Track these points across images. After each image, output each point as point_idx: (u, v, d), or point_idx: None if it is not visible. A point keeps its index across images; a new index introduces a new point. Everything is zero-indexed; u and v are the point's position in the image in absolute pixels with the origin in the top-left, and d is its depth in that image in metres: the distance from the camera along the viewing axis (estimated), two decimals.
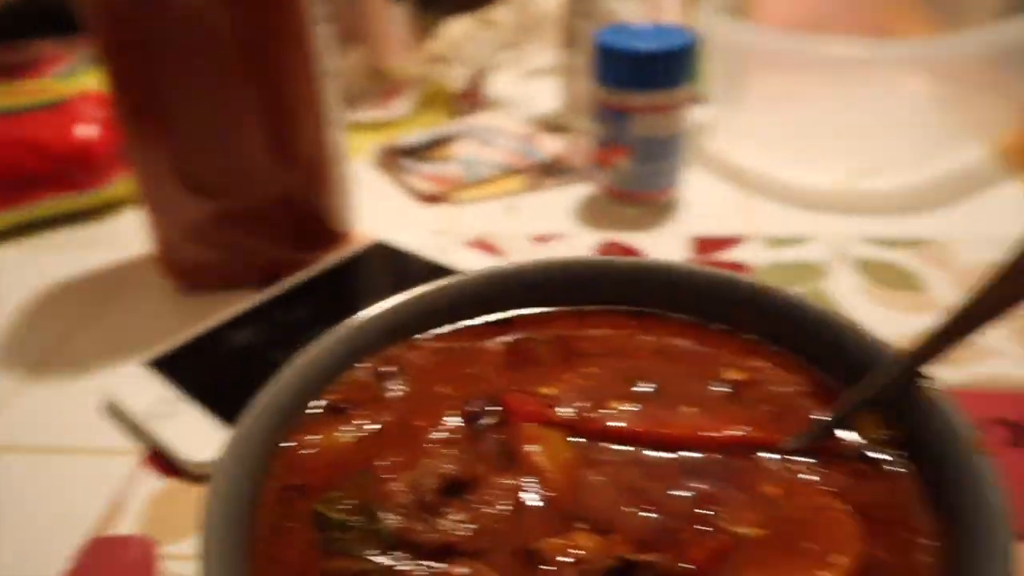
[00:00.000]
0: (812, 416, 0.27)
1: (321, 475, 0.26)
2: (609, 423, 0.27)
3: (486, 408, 0.28)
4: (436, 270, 0.50)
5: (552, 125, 0.72)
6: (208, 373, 0.42)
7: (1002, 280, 0.24)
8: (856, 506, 0.24)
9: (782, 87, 0.66)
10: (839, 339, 0.29)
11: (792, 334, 0.30)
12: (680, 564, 0.22)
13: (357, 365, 0.30)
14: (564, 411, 0.28)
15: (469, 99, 0.77)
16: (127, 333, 0.48)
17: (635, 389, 0.29)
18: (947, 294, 0.48)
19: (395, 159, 0.66)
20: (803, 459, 0.26)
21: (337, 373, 0.29)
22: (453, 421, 0.28)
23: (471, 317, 0.33)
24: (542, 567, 0.22)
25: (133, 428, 0.40)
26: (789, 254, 0.53)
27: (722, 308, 0.32)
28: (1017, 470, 0.34)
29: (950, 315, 0.25)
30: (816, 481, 0.25)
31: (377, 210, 0.60)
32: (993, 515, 0.20)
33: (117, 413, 0.41)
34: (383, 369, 0.30)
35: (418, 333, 0.32)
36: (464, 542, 0.23)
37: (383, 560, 0.23)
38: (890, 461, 0.25)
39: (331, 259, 0.52)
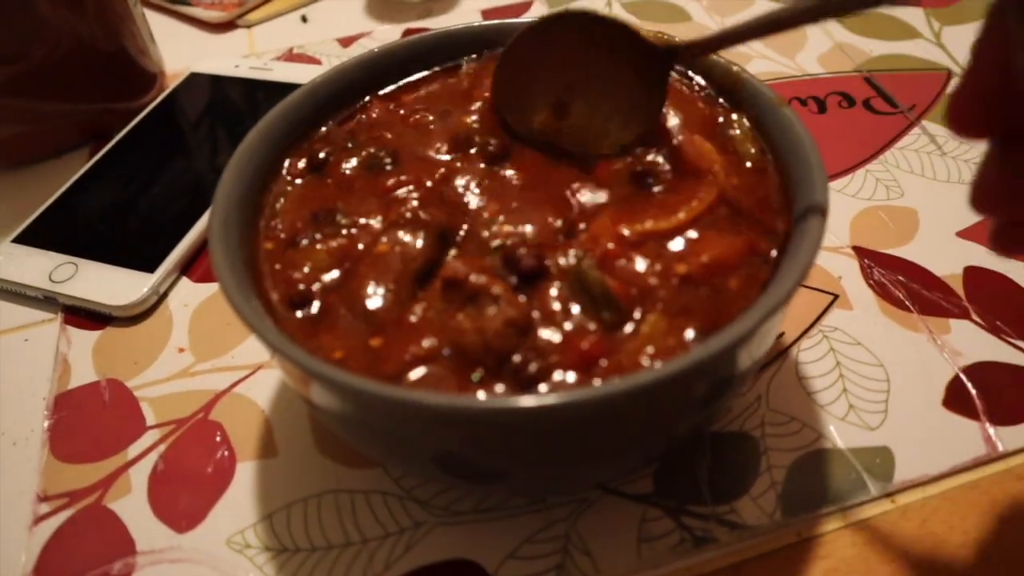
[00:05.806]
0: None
1: None
2: None
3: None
4: (263, 86, 0.52)
5: None
6: (84, 231, 0.43)
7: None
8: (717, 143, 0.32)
9: None
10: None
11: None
12: None
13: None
14: None
15: None
16: None
17: None
18: (708, 20, 0.57)
19: None
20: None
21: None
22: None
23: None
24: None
25: (33, 300, 0.41)
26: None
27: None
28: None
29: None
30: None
31: (175, 49, 0.58)
32: (802, 137, 0.29)
33: (7, 292, 0.41)
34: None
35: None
36: None
37: None
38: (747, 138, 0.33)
39: (155, 100, 0.51)
